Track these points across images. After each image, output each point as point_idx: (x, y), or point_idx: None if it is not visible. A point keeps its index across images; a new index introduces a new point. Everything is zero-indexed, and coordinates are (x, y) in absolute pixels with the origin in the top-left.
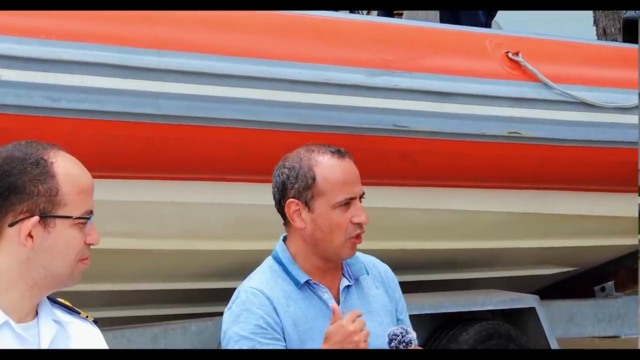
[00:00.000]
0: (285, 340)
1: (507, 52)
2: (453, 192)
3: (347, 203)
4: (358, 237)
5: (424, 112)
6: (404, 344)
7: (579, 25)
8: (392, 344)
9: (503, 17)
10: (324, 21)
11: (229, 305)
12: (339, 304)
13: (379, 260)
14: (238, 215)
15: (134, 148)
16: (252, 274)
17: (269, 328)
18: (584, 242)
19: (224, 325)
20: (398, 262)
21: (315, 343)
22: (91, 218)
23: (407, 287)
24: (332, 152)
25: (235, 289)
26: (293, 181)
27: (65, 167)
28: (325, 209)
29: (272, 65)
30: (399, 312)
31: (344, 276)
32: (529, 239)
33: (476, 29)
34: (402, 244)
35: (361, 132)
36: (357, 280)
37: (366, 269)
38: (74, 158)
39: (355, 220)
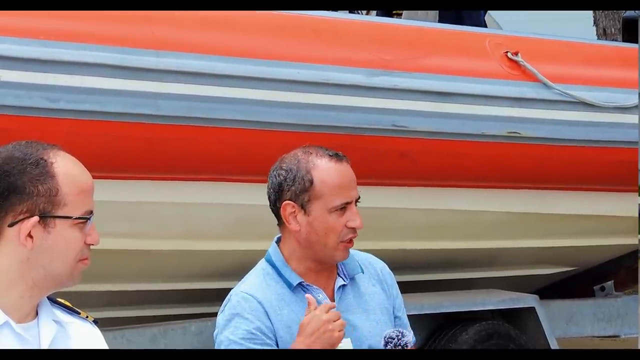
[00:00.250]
0: (277, 344)
1: (507, 52)
2: (452, 192)
3: (343, 207)
4: (350, 240)
5: (424, 112)
6: (399, 347)
7: (579, 25)
8: (388, 347)
9: (503, 17)
10: (323, 21)
11: (221, 309)
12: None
13: (375, 258)
14: (238, 215)
15: (134, 148)
16: (245, 277)
17: (258, 333)
18: (584, 242)
19: (217, 329)
20: (397, 262)
21: None
22: (91, 218)
23: (407, 287)
24: (329, 155)
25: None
26: (290, 183)
27: (65, 167)
28: (322, 212)
29: (272, 66)
30: (396, 310)
31: (339, 275)
32: (528, 238)
33: (476, 29)
34: (401, 244)
35: (360, 132)
36: (352, 279)
37: (361, 268)
38: (74, 158)
39: (351, 224)
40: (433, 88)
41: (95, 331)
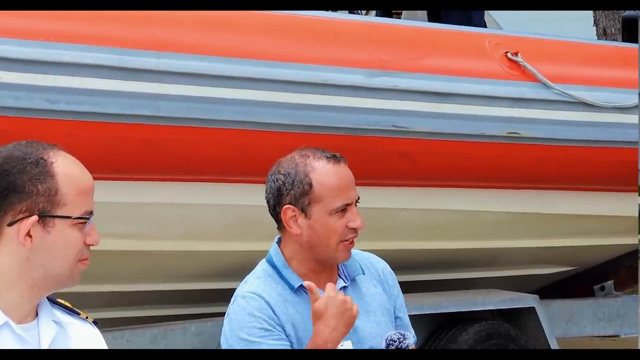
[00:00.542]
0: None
1: (507, 52)
2: (452, 192)
3: (344, 209)
4: (352, 241)
5: (423, 113)
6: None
7: (579, 25)
8: (390, 349)
9: (503, 17)
10: (323, 22)
11: (227, 312)
12: None
13: (377, 257)
14: (237, 216)
15: (134, 150)
16: (247, 278)
17: (272, 328)
18: (584, 242)
19: (226, 333)
20: (397, 262)
21: None
22: (91, 218)
23: (407, 287)
24: (327, 157)
25: (235, 289)
26: (289, 187)
27: (65, 167)
28: (322, 215)
29: (271, 67)
30: (397, 310)
31: (339, 277)
32: (528, 238)
33: (475, 29)
34: (401, 244)
35: (360, 132)
36: (353, 280)
37: (362, 269)
38: (75, 158)
39: (351, 225)
40: (433, 88)
41: (95, 332)
